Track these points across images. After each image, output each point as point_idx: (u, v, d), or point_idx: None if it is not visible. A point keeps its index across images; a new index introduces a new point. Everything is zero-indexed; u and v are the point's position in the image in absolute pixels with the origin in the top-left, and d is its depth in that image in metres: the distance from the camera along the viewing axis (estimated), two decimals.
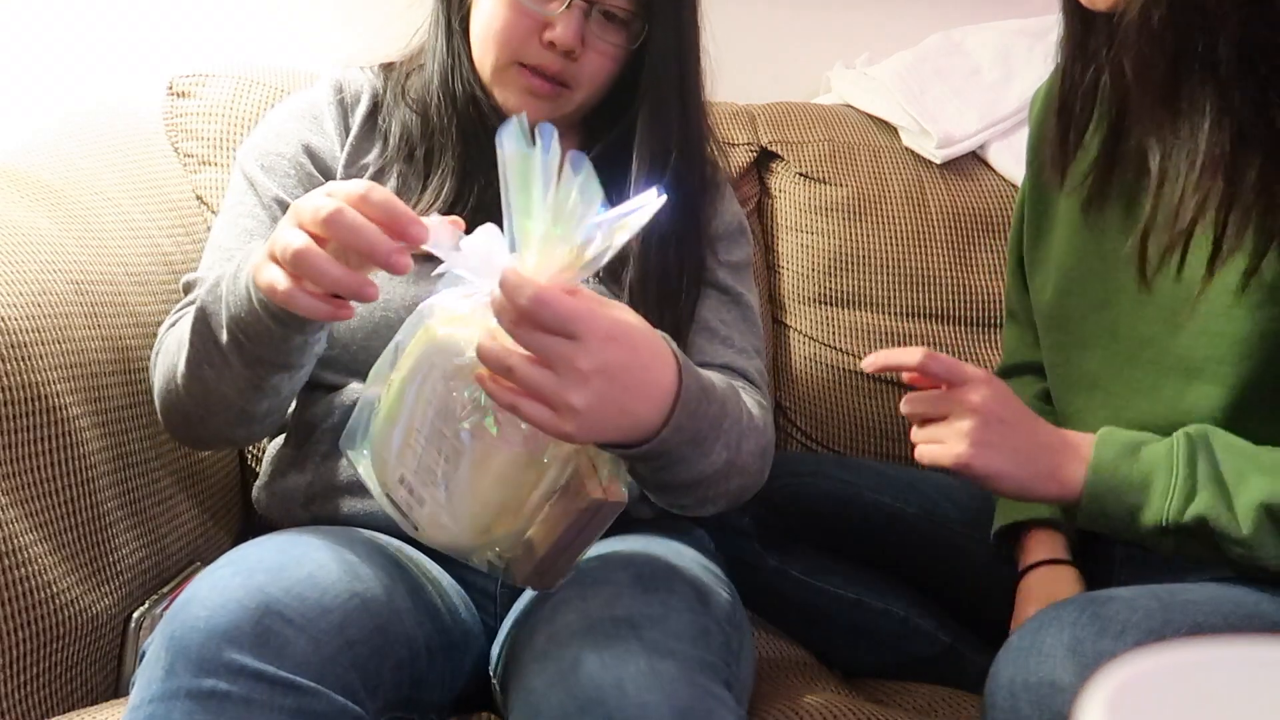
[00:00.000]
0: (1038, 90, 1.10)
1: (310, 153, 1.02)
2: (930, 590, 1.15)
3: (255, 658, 0.67)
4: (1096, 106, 0.93)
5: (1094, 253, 0.97)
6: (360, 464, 0.81)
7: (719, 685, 0.72)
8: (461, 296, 0.76)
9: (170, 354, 0.90)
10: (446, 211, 0.97)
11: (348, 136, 1.03)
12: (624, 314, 0.74)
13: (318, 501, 0.95)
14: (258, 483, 1.03)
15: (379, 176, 1.01)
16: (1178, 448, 0.85)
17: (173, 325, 0.94)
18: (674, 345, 0.78)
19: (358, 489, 0.93)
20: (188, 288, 0.97)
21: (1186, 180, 0.81)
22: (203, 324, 0.84)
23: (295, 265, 0.72)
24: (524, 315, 0.69)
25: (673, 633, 0.73)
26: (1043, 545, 1.01)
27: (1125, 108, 0.88)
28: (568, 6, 0.95)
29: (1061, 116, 0.95)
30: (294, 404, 0.99)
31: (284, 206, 0.99)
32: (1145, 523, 0.83)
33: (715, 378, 0.86)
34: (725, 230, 1.10)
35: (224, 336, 0.82)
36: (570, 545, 0.77)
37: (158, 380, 0.92)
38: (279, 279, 0.74)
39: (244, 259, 0.81)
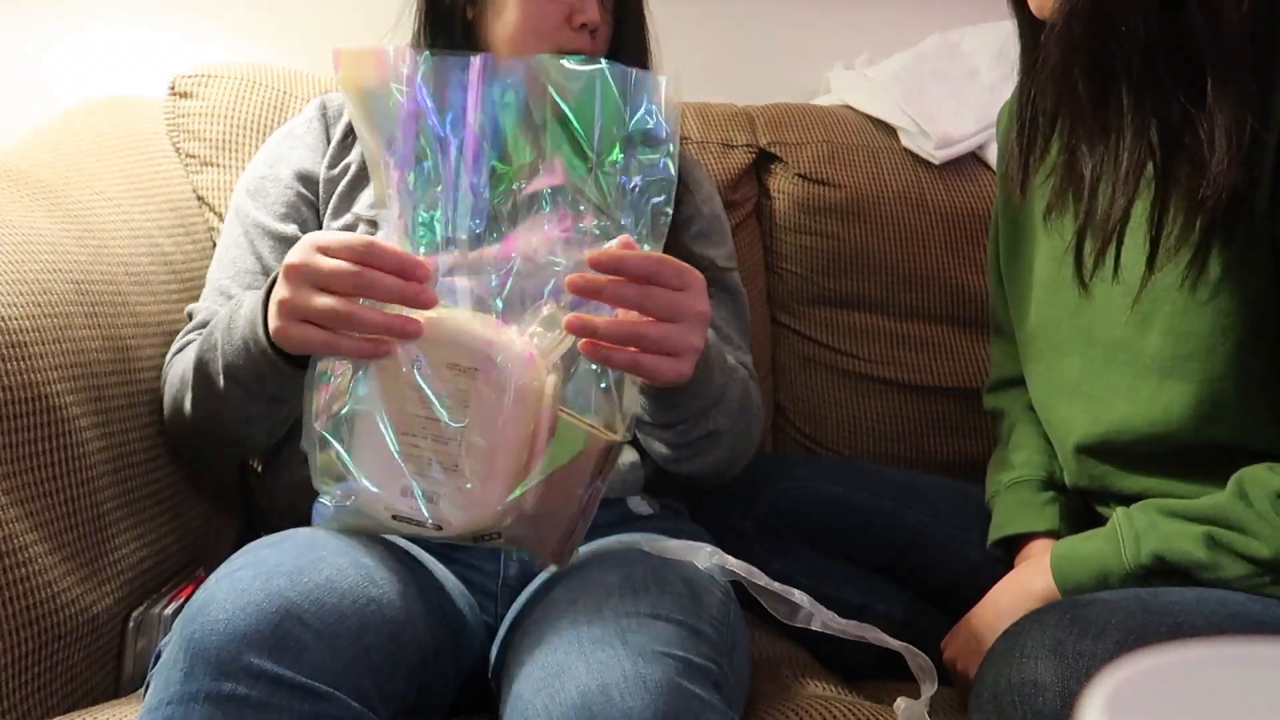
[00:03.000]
0: (1003, 106, 1.11)
1: (298, 172, 1.10)
2: (931, 593, 1.15)
3: (274, 662, 0.66)
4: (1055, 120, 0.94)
5: (1063, 261, 0.98)
6: (337, 521, 0.80)
7: (708, 688, 0.72)
8: None
9: (175, 389, 0.97)
10: None
11: (328, 145, 1.12)
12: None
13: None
14: (259, 477, 1.03)
15: (362, 174, 1.08)
16: (1117, 514, 0.89)
17: (178, 352, 1.00)
18: None
19: None
20: (190, 317, 1.04)
21: (1115, 183, 0.84)
22: (201, 373, 0.92)
23: (342, 323, 0.75)
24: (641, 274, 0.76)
25: (661, 636, 0.73)
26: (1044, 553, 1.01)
27: (1059, 116, 0.89)
28: None
29: (1021, 132, 0.96)
30: None
31: (261, 229, 1.06)
32: (1117, 579, 0.86)
33: None
34: (712, 224, 1.16)
35: (221, 383, 0.89)
36: (585, 509, 0.80)
37: (166, 408, 0.99)
38: (315, 335, 0.77)
39: (233, 310, 0.88)
